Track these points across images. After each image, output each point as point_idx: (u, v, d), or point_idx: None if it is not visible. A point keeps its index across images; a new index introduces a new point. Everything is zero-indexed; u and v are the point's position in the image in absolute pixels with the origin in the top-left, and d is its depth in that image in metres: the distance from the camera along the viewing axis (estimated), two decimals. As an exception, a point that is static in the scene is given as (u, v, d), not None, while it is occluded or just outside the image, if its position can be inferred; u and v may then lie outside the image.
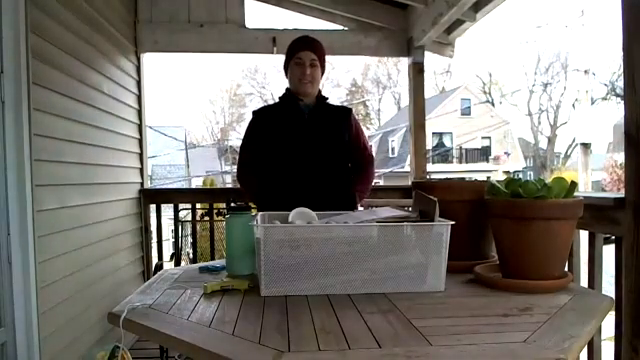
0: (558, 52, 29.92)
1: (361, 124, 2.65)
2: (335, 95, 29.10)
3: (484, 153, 28.28)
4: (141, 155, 3.95)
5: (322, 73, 2.39)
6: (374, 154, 2.59)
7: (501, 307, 1.31)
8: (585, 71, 12.27)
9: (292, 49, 2.35)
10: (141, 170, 3.95)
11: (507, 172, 25.97)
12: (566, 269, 1.62)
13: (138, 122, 3.91)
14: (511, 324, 1.19)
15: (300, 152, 2.29)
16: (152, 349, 3.26)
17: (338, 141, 2.35)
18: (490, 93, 31.67)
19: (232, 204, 1.87)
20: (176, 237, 3.83)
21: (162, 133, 17.09)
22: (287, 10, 4.26)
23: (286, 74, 2.40)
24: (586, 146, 11.48)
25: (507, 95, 32.05)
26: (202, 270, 1.78)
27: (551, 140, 31.33)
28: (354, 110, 2.61)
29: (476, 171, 25.59)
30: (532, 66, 35.15)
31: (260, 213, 1.77)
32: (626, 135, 1.61)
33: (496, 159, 27.62)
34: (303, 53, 2.31)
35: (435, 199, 1.46)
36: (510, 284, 1.46)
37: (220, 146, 29.53)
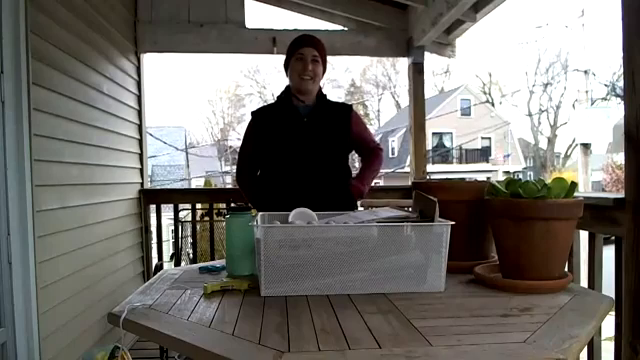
0: (558, 52, 29.99)
1: (362, 121, 2.66)
2: (335, 95, 29.15)
3: (484, 153, 28.28)
4: (141, 155, 3.95)
5: (323, 72, 2.39)
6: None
7: (501, 307, 1.31)
8: (585, 71, 12.26)
9: (294, 46, 2.34)
10: (141, 170, 3.95)
11: (507, 172, 25.96)
12: (566, 269, 1.62)
13: (138, 122, 3.91)
14: (511, 324, 1.19)
15: (299, 157, 2.28)
16: (152, 349, 3.26)
17: (338, 142, 2.34)
18: (490, 93, 31.69)
19: (232, 204, 1.86)
20: (176, 237, 3.83)
21: (162, 141, 17.02)
22: (287, 10, 4.27)
23: (286, 73, 2.39)
24: (586, 146, 11.46)
25: (507, 95, 32.09)
26: (202, 270, 1.78)
27: (551, 140, 31.32)
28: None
29: (476, 171, 25.59)
30: (532, 66, 35.25)
31: (260, 213, 1.77)
32: (626, 135, 1.61)
33: (495, 160, 27.64)
34: (305, 49, 2.30)
35: (435, 199, 1.46)
36: (510, 284, 1.46)
37: (220, 146, 29.54)
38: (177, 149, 20.36)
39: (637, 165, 1.58)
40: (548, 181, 1.50)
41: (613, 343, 1.74)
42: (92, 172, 2.98)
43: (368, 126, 2.61)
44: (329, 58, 2.50)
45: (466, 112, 27.88)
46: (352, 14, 4.11)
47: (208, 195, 4.30)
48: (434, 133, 26.72)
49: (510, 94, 32.14)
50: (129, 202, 3.67)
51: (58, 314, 2.43)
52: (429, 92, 29.63)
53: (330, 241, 1.43)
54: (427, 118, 4.29)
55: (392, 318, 1.21)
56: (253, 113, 2.44)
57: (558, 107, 30.48)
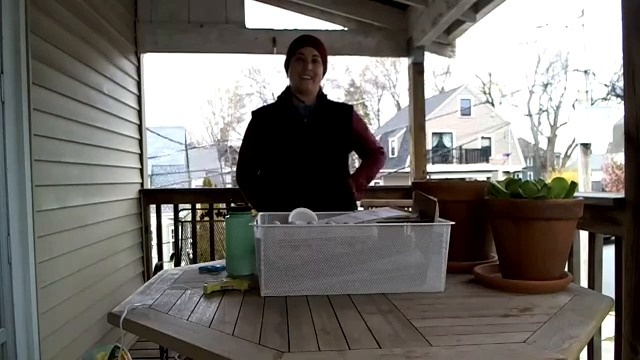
0: (558, 52, 30.04)
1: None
2: (335, 95, 29.15)
3: (484, 153, 28.27)
4: (141, 155, 3.96)
5: (324, 72, 2.39)
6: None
7: (501, 307, 1.31)
8: (585, 71, 12.26)
9: (294, 46, 2.35)
10: (141, 170, 3.95)
11: (507, 172, 25.97)
12: (566, 269, 1.62)
13: (138, 122, 3.91)
14: (511, 324, 1.19)
15: (299, 157, 2.28)
16: (152, 349, 3.26)
17: (338, 142, 2.34)
18: (490, 93, 31.72)
19: (232, 204, 1.87)
20: (176, 237, 3.83)
21: (163, 136, 17.05)
22: (287, 10, 4.27)
23: (287, 73, 2.39)
24: (586, 146, 11.46)
25: (507, 95, 32.11)
26: (202, 270, 1.78)
27: (551, 140, 31.34)
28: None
29: (476, 171, 25.59)
30: (532, 66, 35.33)
31: (260, 213, 1.77)
32: (626, 135, 1.61)
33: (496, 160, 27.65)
34: (305, 49, 2.30)
35: (435, 199, 1.46)
36: (510, 284, 1.46)
37: (220, 146, 29.54)
38: (180, 143, 20.45)
39: (637, 165, 1.58)
40: (548, 181, 1.50)
41: (613, 343, 1.74)
42: (92, 172, 2.98)
43: (368, 126, 2.61)
44: (329, 58, 2.50)
45: (466, 112, 27.86)
46: (352, 14, 4.11)
47: (208, 195, 4.30)
48: (434, 133, 26.71)
49: (510, 94, 32.21)
50: (129, 202, 3.67)
51: (58, 314, 2.43)
52: (429, 92, 29.70)
53: (330, 241, 1.43)
54: (427, 118, 4.29)
55: (392, 318, 1.21)
56: (253, 113, 2.44)
57: (558, 107, 30.56)
